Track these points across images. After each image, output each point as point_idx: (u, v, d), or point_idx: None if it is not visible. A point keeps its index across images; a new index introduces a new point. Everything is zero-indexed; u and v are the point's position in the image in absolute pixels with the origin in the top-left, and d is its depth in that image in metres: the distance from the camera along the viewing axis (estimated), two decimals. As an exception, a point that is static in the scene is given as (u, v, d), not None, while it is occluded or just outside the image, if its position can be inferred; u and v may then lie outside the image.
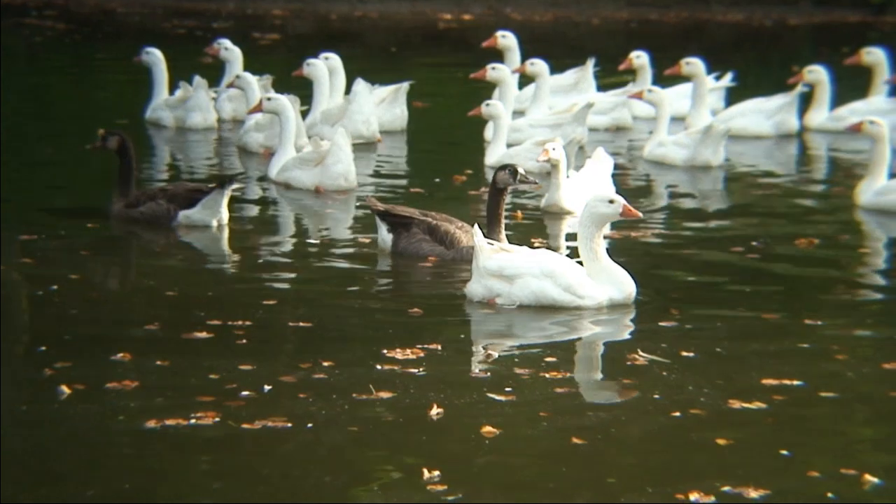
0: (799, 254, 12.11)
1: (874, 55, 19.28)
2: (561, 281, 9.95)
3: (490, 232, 11.06)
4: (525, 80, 19.18)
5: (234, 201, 13.16)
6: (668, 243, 12.41)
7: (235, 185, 12.77)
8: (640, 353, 9.02)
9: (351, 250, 11.98)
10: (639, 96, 17.01)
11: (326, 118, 17.30)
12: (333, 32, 31.45)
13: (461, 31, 32.09)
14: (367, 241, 12.25)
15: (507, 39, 19.70)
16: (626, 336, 9.55)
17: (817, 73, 18.75)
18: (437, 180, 15.54)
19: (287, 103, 14.85)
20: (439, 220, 11.49)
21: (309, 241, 12.48)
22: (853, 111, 18.66)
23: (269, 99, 14.96)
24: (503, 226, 11.22)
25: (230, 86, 17.72)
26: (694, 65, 18.09)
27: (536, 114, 17.82)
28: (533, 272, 9.98)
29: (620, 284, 10.02)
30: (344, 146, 14.51)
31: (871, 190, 14.03)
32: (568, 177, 13.72)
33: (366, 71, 18.47)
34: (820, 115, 18.94)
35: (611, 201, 10.00)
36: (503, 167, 11.33)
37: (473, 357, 8.85)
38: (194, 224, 12.55)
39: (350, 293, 10.44)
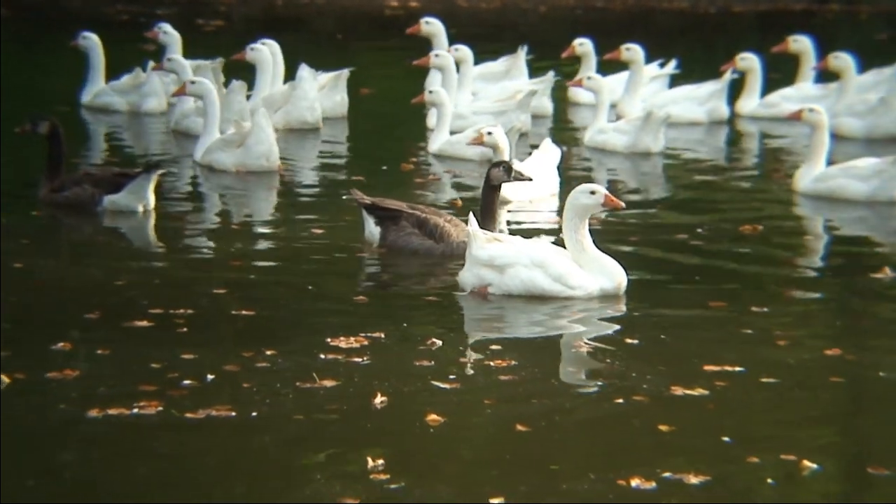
0: (744, 240, 12.19)
1: (801, 43, 19.40)
2: (551, 271, 9.96)
3: (484, 228, 11.00)
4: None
5: (160, 185, 13.06)
6: (612, 230, 12.44)
7: (162, 170, 12.69)
8: (585, 340, 9.06)
9: (285, 235, 11.92)
10: (579, 84, 17.08)
11: (269, 104, 17.23)
12: (279, 19, 31.29)
13: (408, 18, 31.99)
14: (299, 226, 12.20)
15: (430, 26, 19.65)
16: (573, 324, 9.58)
17: (749, 61, 18.88)
18: (385, 168, 15.52)
19: (210, 86, 14.82)
20: (428, 213, 11.37)
21: (240, 226, 12.41)
22: (784, 97, 18.83)
23: (192, 82, 14.92)
24: (498, 221, 11.14)
25: (157, 68, 17.56)
26: (633, 51, 18.17)
27: (461, 100, 17.78)
28: (523, 262, 9.99)
29: (611, 274, 10.04)
30: (265, 126, 14.54)
31: (810, 176, 14.17)
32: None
33: (312, 58, 18.39)
34: (752, 101, 19.07)
35: (592, 192, 10.00)
36: (497, 164, 11.25)
37: (418, 345, 8.85)
38: (120, 209, 12.47)
39: (290, 280, 10.40)
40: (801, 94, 18.72)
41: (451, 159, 15.64)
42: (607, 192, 10.02)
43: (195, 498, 6.60)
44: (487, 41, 20.46)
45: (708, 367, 8.49)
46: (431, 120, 16.79)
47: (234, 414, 7.54)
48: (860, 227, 13.14)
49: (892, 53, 20.52)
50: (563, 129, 18.52)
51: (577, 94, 19.78)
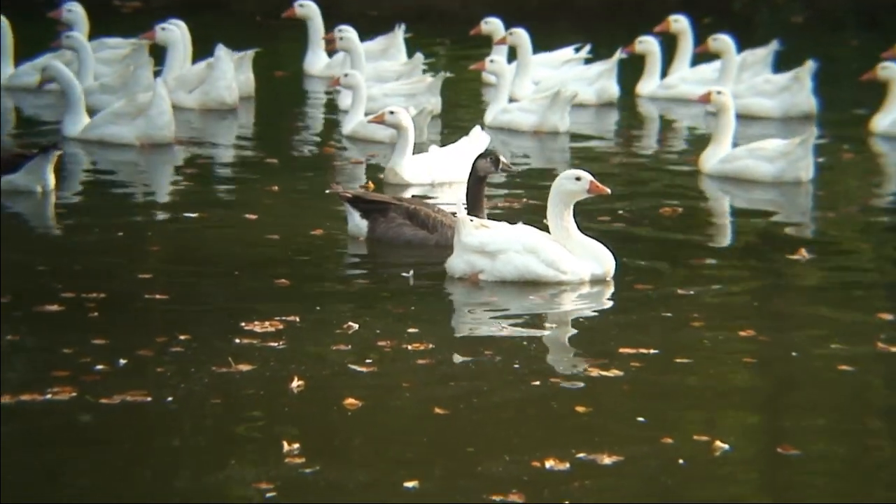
0: (664, 222, 12.27)
1: (680, 23, 19.48)
2: (544, 256, 9.96)
3: None
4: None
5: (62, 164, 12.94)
6: (530, 214, 12.45)
7: (60, 151, 12.54)
8: (504, 324, 9.09)
9: (197, 214, 11.79)
10: (481, 67, 17.11)
11: (182, 84, 17.07)
12: (197, 1, 30.98)
13: (325, 2, 31.77)
14: (210, 204, 12.11)
15: (304, 9, 19.62)
16: (493, 307, 9.60)
17: (647, 44, 18.97)
18: (307, 151, 15.44)
19: (61, 69, 14.55)
20: (415, 203, 11.25)
21: (155, 207, 12.28)
22: (682, 79, 18.97)
23: (44, 69, 14.80)
24: (485, 213, 11.05)
25: (55, 46, 17.29)
26: (516, 35, 18.20)
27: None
28: (515, 248, 9.97)
29: (599, 259, 10.05)
30: (166, 97, 14.42)
31: (716, 157, 14.31)
32: (428, 150, 13.70)
33: (229, 39, 18.23)
34: (651, 83, 19.18)
35: (577, 178, 9.98)
36: (483, 154, 11.10)
37: (334, 329, 8.82)
38: (18, 190, 12.30)
39: (204, 263, 10.30)
40: (698, 76, 18.88)
41: (363, 141, 15.60)
42: (593, 179, 10.01)
43: (110, 483, 6.55)
44: (410, 28, 20.36)
45: (623, 349, 8.55)
46: (345, 102, 16.71)
47: (149, 399, 7.48)
48: (771, 209, 13.27)
49: (807, 36, 20.74)
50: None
51: (486, 76, 19.75)
